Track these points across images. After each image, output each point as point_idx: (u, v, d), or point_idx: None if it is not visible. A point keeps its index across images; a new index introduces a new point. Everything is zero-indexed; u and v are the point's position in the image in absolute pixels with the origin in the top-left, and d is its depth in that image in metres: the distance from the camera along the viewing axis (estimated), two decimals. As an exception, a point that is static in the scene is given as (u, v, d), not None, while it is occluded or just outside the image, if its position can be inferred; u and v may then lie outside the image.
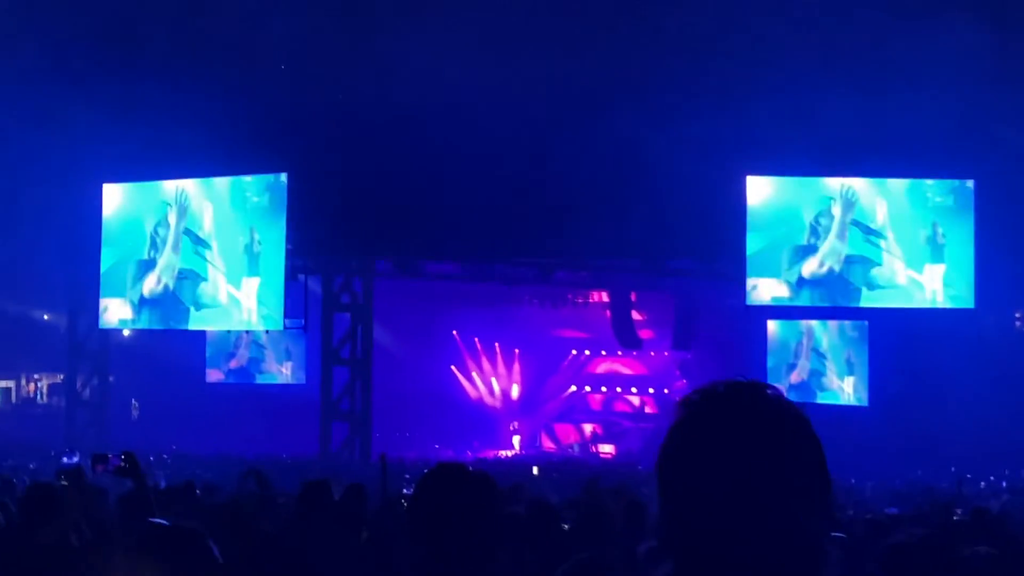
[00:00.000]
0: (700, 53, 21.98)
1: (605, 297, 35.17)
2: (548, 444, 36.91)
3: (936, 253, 24.14)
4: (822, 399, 29.95)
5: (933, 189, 24.24)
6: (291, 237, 24.51)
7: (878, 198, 24.43)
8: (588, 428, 37.17)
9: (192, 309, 26.14)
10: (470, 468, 3.12)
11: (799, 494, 1.63)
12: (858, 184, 24.47)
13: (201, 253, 25.91)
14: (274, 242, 24.86)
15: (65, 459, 5.89)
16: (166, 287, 26.29)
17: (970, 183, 23.73)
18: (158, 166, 25.32)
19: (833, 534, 3.81)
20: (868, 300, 24.55)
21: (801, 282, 24.47)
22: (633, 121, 22.50)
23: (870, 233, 24.41)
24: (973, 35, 19.56)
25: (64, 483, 6.03)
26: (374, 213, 23.69)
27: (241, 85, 22.63)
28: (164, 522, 3.48)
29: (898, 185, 24.37)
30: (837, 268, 24.44)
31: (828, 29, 21.38)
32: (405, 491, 7.64)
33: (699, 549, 1.63)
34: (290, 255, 24.67)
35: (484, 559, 2.96)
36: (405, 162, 23.39)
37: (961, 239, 23.86)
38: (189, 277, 26.08)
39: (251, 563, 5.02)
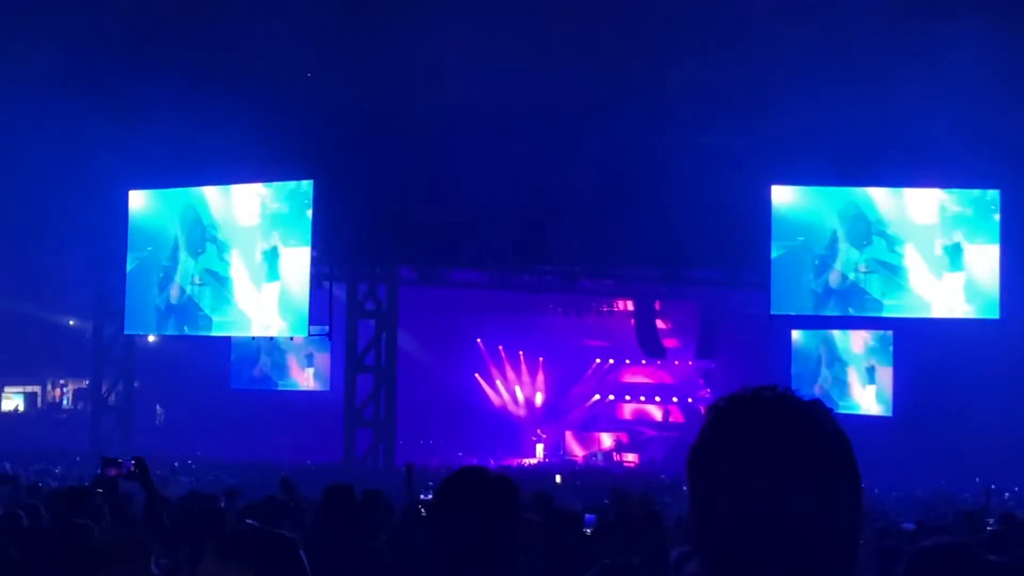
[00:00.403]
0: (727, 61, 21.94)
1: (630, 306, 35.15)
2: (574, 450, 36.83)
3: (955, 262, 24.09)
4: (844, 409, 29.90)
5: (956, 199, 24.17)
6: (316, 244, 24.58)
7: (899, 207, 24.36)
8: (611, 437, 37.07)
9: (214, 315, 26.28)
10: (493, 473, 3.12)
11: (828, 496, 1.65)
12: (879, 194, 24.43)
13: (224, 259, 26.03)
14: (299, 249, 24.95)
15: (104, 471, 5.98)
16: (189, 293, 26.43)
17: (995, 193, 23.63)
18: (184, 173, 25.46)
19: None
20: (889, 311, 24.53)
21: (828, 292, 24.45)
22: (658, 130, 22.54)
23: (891, 243, 24.39)
24: (996, 40, 19.48)
25: (100, 491, 6.13)
26: (399, 221, 23.77)
27: (267, 92, 22.71)
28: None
29: (920, 195, 24.30)
30: (855, 277, 24.44)
31: (852, 38, 21.29)
32: (423, 496, 7.65)
33: (728, 550, 1.65)
34: (315, 262, 24.74)
35: (504, 563, 2.96)
36: (430, 170, 23.47)
37: (984, 249, 23.75)
38: (211, 283, 26.22)
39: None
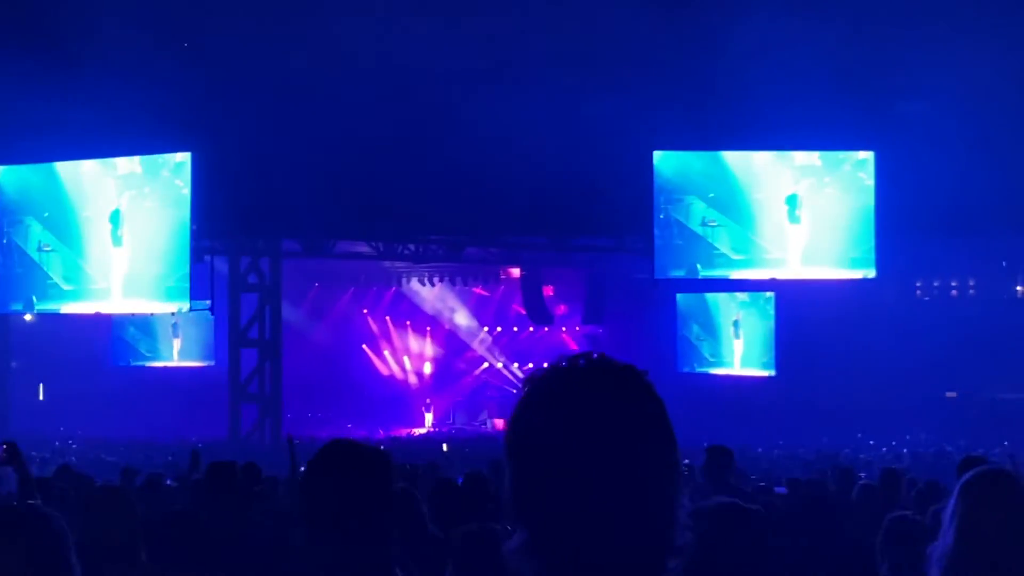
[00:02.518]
0: (611, 27, 22.06)
1: (516, 273, 35.28)
2: (460, 420, 36.99)
3: (793, 214, 24.49)
4: (728, 371, 30.55)
5: (840, 165, 24.60)
6: (196, 218, 24.15)
7: (780, 170, 24.74)
8: (498, 405, 37.27)
9: (65, 284, 25.66)
10: (364, 444, 3.09)
11: (644, 459, 1.67)
12: (760, 158, 24.78)
13: (115, 245, 25.39)
14: (179, 223, 24.51)
15: None
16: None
17: (869, 154, 24.14)
18: (57, 147, 24.78)
19: (748, 505, 3.91)
20: (740, 266, 24.76)
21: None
22: (541, 96, 22.56)
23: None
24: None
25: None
26: (281, 193, 23.42)
27: (143, 64, 22.21)
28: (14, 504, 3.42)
29: (799, 157, 24.69)
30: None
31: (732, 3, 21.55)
32: (302, 468, 7.61)
33: (548, 521, 1.67)
34: (195, 236, 24.32)
35: (376, 534, 2.94)
36: (311, 140, 23.19)
37: (862, 210, 24.24)
38: (60, 249, 25.59)
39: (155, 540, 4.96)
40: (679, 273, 24.89)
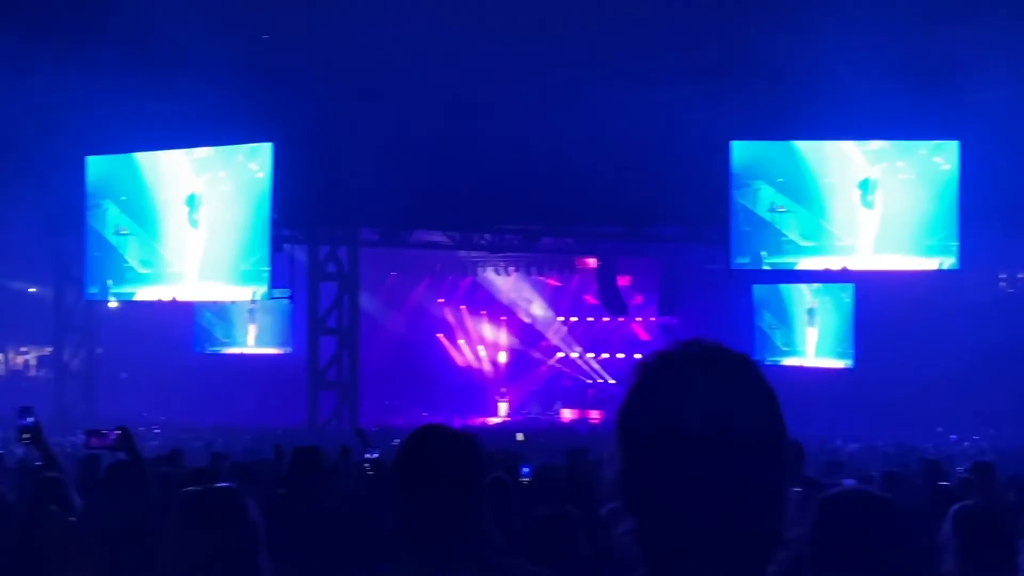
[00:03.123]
0: (687, 18, 21.92)
1: (591, 263, 35.23)
2: (532, 411, 37.01)
3: (866, 199, 24.05)
4: (801, 360, 30.13)
5: (915, 149, 24.20)
6: (276, 207, 24.45)
7: (852, 154, 24.39)
8: (576, 394, 37.25)
9: (167, 276, 26.07)
10: (454, 429, 3.15)
11: (754, 449, 1.67)
12: (843, 147, 24.44)
13: (190, 228, 25.80)
14: (254, 207, 24.81)
15: (24, 420, 5.98)
16: (148, 262, 26.20)
17: (954, 144, 23.72)
18: (142, 137, 25.21)
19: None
20: (808, 252, 24.43)
21: (788, 248, 24.50)
22: (618, 86, 22.51)
23: (808, 180, 24.37)
24: None
25: (26, 438, 6.13)
26: (358, 182, 23.62)
27: (224, 54, 22.47)
28: (197, 488, 3.57)
29: (879, 146, 24.34)
30: (770, 217, 24.41)
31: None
32: (367, 456, 7.73)
33: (658, 505, 1.68)
34: (275, 225, 24.63)
35: (470, 520, 3.00)
36: (388, 130, 23.34)
37: (938, 195, 23.81)
38: (172, 251, 26.01)
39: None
40: (743, 260, 24.58)
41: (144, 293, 26.37)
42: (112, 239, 26.40)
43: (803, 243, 24.34)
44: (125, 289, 26.52)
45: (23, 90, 22.27)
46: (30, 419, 6.09)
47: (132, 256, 26.21)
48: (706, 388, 1.69)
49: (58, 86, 22.11)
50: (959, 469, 11.28)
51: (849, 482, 9.54)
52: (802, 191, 24.39)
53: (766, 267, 24.87)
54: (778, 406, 1.73)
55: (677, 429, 1.67)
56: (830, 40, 20.19)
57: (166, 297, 26.15)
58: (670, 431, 1.67)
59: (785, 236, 24.35)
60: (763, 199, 24.43)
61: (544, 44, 21.69)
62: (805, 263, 24.70)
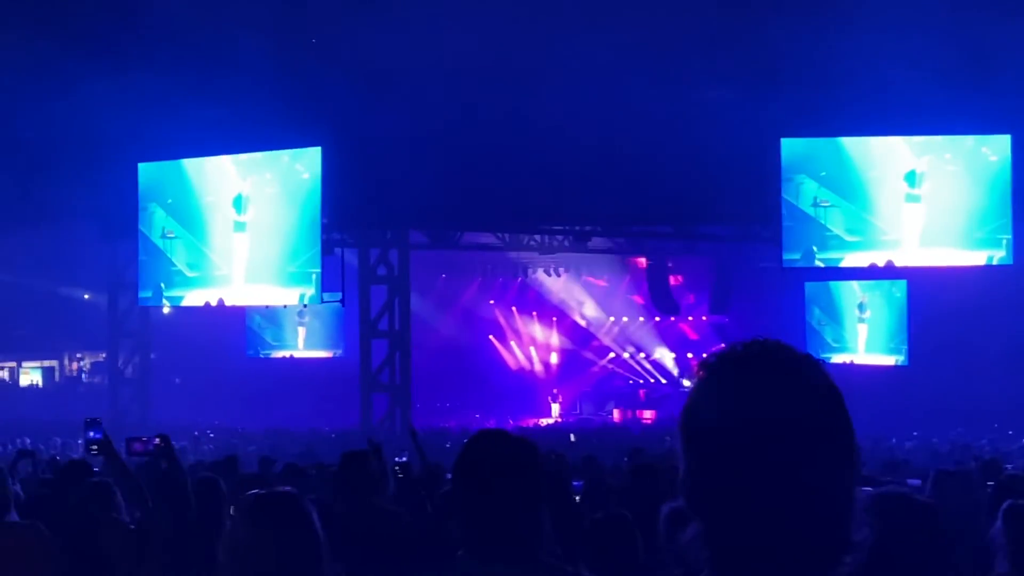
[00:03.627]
0: (735, 17, 21.83)
1: (642, 263, 35.14)
2: (590, 412, 36.97)
3: (911, 193, 23.69)
4: (851, 357, 29.82)
5: (962, 141, 23.84)
6: (325, 211, 24.60)
7: (897, 146, 24.09)
8: (627, 394, 37.18)
9: (214, 279, 26.27)
10: (512, 434, 3.18)
11: (822, 450, 1.64)
12: (889, 139, 24.13)
13: (236, 230, 26.02)
14: (300, 208, 24.97)
15: (92, 434, 6.02)
16: (195, 265, 26.41)
17: (1005, 138, 23.38)
18: (192, 142, 25.44)
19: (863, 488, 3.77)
20: (853, 248, 24.11)
21: (833, 243, 24.25)
22: (668, 85, 22.44)
23: (850, 173, 24.05)
24: None
25: (94, 451, 6.19)
26: (407, 185, 23.69)
27: (273, 61, 22.65)
28: (261, 492, 3.63)
29: (925, 138, 24.02)
30: (814, 213, 24.09)
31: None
32: (396, 460, 7.76)
33: (726, 508, 1.65)
34: (325, 229, 24.78)
35: (530, 519, 3.02)
36: (437, 132, 23.39)
37: (987, 187, 23.44)
38: (219, 254, 26.21)
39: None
40: (794, 257, 24.22)
41: (192, 297, 26.58)
42: (159, 242, 26.63)
43: (848, 238, 24.02)
44: (174, 293, 26.76)
45: (77, 98, 22.51)
46: (98, 432, 6.14)
47: (179, 259, 26.43)
48: (771, 387, 1.66)
49: (111, 94, 22.32)
50: (1008, 467, 11.10)
51: (915, 482, 9.43)
52: (845, 185, 24.07)
53: (818, 263, 24.59)
54: (844, 406, 1.69)
55: (742, 429, 1.64)
56: (879, 36, 20.05)
57: (213, 301, 26.32)
58: (735, 431, 1.64)
59: (830, 231, 24.05)
60: (806, 193, 24.11)
61: (592, 45, 21.67)
62: (851, 259, 24.36)
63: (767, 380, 1.67)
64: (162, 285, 26.73)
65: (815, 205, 24.10)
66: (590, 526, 4.70)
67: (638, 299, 36.87)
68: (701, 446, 1.69)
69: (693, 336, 36.93)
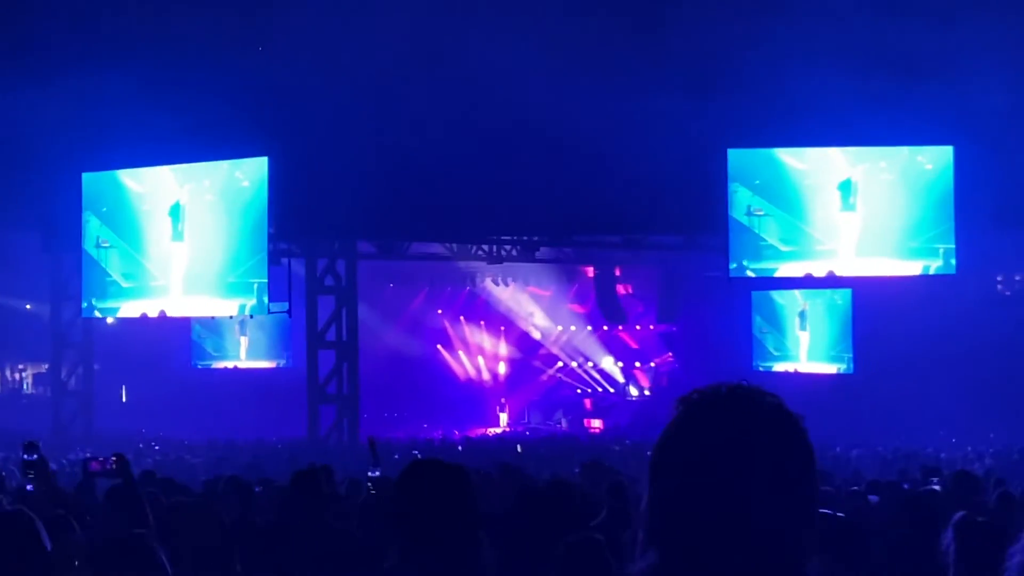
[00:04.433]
0: (680, 28, 21.96)
1: (590, 272, 35.25)
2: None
3: (846, 201, 23.58)
4: (793, 365, 29.90)
5: (897, 150, 23.86)
6: (272, 221, 24.42)
7: (832, 155, 24.08)
8: (575, 404, 37.24)
9: (151, 290, 25.84)
10: (444, 463, 3.23)
11: (785, 500, 1.69)
12: (825, 148, 24.19)
13: (174, 239, 25.64)
14: (240, 217, 24.71)
15: (26, 456, 6.01)
16: (130, 275, 25.99)
17: (949, 149, 23.58)
18: (138, 152, 25.17)
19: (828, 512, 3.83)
20: (788, 257, 23.99)
21: (768, 252, 24.21)
22: (614, 96, 22.54)
23: (786, 183, 24.01)
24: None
25: (30, 475, 6.15)
26: (355, 195, 23.61)
27: (219, 70, 22.50)
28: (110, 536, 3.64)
29: (867, 151, 24.00)
30: (748, 222, 23.98)
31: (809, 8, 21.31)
32: (369, 473, 7.73)
33: (684, 543, 1.68)
34: (272, 239, 24.60)
35: (467, 547, 3.04)
36: (385, 143, 23.35)
37: (922, 196, 23.47)
38: (155, 264, 25.85)
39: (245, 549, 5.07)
40: (732, 267, 23.98)
41: (128, 308, 26.10)
42: (93, 252, 26.16)
43: (783, 248, 23.87)
44: (109, 304, 26.26)
45: (18, 107, 22.25)
46: (34, 455, 6.10)
47: (114, 269, 25.91)
48: (747, 433, 1.70)
49: (54, 103, 22.09)
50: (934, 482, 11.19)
51: (873, 498, 9.47)
52: (779, 194, 23.90)
53: (749, 274, 24.42)
54: (813, 459, 1.75)
55: (712, 468, 1.68)
56: (820, 47, 20.26)
57: (152, 312, 25.85)
58: (706, 469, 1.68)
59: (764, 240, 23.86)
60: (739, 202, 23.90)
61: (539, 55, 21.72)
62: (786, 268, 24.25)
63: (744, 425, 1.71)
64: (93, 300, 26.21)
65: (749, 214, 23.87)
66: (563, 550, 4.68)
67: (582, 308, 36.96)
68: (664, 479, 1.72)
69: (638, 346, 37.08)
